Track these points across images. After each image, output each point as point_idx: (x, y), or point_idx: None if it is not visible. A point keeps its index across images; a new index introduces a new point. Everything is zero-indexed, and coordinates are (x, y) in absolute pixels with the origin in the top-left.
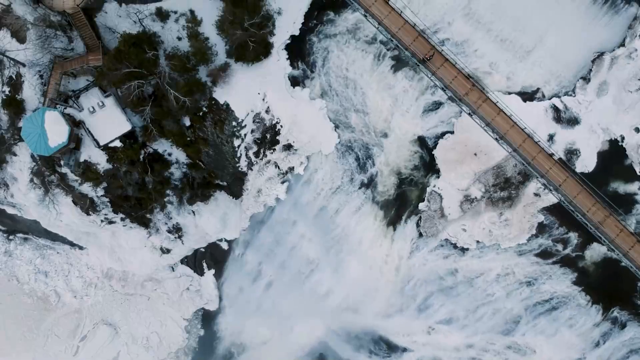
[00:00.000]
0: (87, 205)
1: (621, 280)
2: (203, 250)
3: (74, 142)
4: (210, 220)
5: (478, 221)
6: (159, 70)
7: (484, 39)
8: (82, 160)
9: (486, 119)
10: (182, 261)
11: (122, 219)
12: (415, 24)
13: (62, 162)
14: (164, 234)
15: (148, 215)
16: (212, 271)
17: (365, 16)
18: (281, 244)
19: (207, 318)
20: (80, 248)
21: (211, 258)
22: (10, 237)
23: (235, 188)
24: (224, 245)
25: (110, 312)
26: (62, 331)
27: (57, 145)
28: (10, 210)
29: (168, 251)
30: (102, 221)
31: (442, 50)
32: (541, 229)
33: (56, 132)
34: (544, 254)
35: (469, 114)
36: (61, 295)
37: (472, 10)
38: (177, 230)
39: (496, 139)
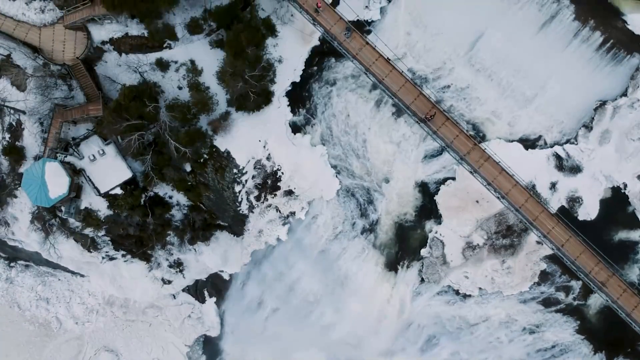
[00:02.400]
0: (88, 244)
1: (625, 329)
2: (204, 279)
3: (75, 192)
4: (212, 256)
5: (480, 268)
6: (160, 120)
7: (486, 85)
8: (82, 207)
9: (488, 178)
10: (183, 289)
11: (123, 255)
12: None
13: (62, 210)
14: (165, 268)
15: (149, 252)
16: (214, 299)
17: (367, 74)
18: (283, 278)
19: (209, 344)
20: (82, 276)
21: (212, 287)
22: (12, 264)
23: (237, 228)
24: (226, 275)
25: (112, 339)
26: (63, 358)
27: (57, 196)
28: (11, 242)
29: (169, 282)
30: (102, 258)
31: (444, 109)
32: (543, 276)
33: (56, 183)
34: (547, 302)
35: (471, 172)
36: (62, 322)
37: (474, 57)
38: (178, 265)
39: (498, 197)
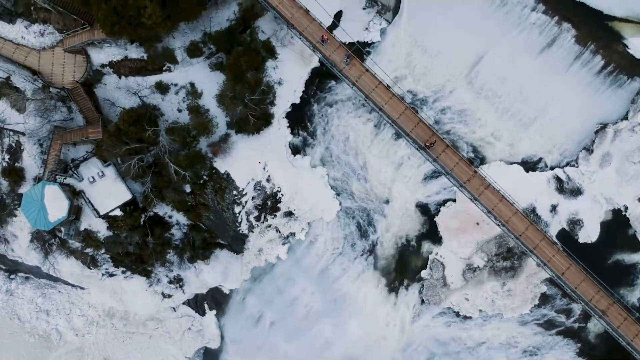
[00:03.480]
0: (88, 261)
1: (625, 352)
2: (205, 293)
3: (74, 214)
4: (211, 273)
5: (481, 290)
6: (160, 143)
7: (486, 107)
8: (82, 228)
9: (488, 206)
10: (183, 302)
11: (122, 272)
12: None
13: (62, 230)
14: (165, 284)
15: (149, 268)
16: (214, 312)
17: (366, 101)
18: (282, 293)
19: (209, 356)
20: (82, 288)
21: (212, 300)
22: (12, 276)
23: (236, 246)
24: (226, 290)
25: (112, 350)
26: None
27: (57, 220)
28: (11, 257)
29: (169, 296)
30: (102, 274)
31: (444, 137)
32: (544, 299)
33: (56, 206)
34: (547, 324)
35: (471, 199)
36: (63, 334)
37: (474, 78)
38: (178, 281)
39: (498, 224)
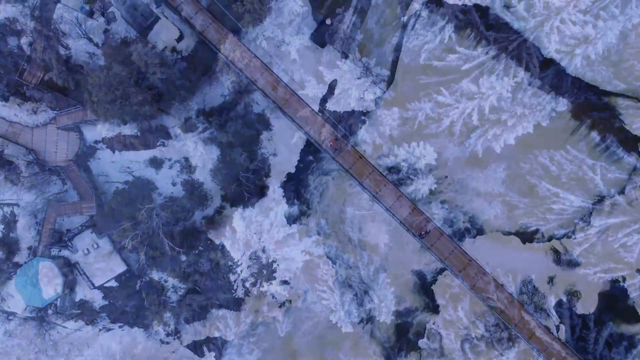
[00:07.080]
0: (85, 320)
1: None
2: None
3: (69, 287)
4: (209, 328)
5: None
6: (154, 219)
7: (483, 176)
8: (77, 299)
9: (484, 295)
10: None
11: (120, 327)
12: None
13: (58, 302)
14: (162, 335)
15: (146, 322)
16: (213, 353)
17: (361, 187)
18: (281, 347)
19: None
20: (79, 330)
21: (211, 342)
22: (10, 317)
23: (233, 307)
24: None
25: None
26: None
27: (51, 297)
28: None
29: (167, 343)
30: (100, 330)
31: (439, 226)
32: None
33: (50, 283)
34: None
35: (468, 289)
36: None
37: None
38: (175, 333)
39: (495, 315)
